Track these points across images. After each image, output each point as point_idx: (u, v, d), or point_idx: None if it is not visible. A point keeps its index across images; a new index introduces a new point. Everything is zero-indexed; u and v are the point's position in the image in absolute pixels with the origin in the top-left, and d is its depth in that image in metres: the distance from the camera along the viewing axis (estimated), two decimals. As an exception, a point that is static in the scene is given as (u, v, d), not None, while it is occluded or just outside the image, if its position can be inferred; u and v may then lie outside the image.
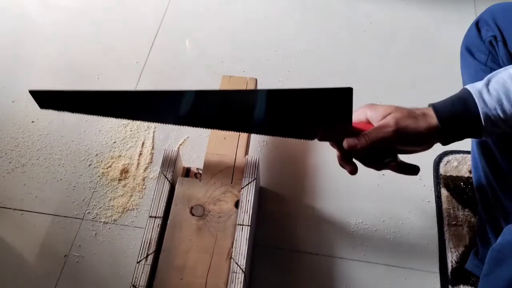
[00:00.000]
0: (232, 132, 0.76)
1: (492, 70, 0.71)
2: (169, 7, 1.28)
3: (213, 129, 0.71)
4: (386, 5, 1.28)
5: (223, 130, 0.71)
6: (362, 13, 1.27)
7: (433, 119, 0.58)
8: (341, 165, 0.65)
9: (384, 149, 0.62)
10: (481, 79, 0.73)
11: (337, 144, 0.66)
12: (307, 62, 1.16)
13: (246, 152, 0.83)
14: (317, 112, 0.62)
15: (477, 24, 0.73)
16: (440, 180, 0.95)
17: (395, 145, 0.60)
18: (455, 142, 0.60)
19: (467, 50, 0.75)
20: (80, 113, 0.70)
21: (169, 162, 0.74)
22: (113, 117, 0.71)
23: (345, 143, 0.60)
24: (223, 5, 1.29)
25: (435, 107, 0.59)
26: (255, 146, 1.00)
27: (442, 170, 0.96)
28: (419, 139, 0.59)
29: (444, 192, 0.93)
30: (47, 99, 0.69)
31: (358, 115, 0.62)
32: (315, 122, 0.64)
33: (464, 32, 0.78)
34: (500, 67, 0.70)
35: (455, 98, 0.59)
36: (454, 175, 0.95)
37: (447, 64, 1.14)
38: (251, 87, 0.85)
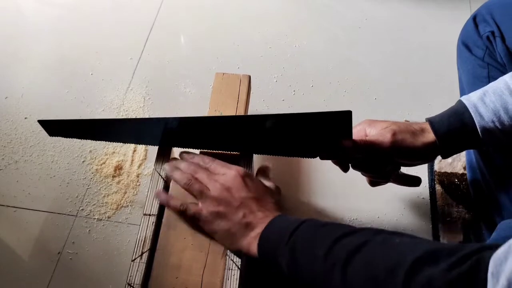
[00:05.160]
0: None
1: (489, 65, 0.71)
2: (164, 3, 1.27)
3: (221, 151, 0.74)
4: (381, 1, 1.28)
5: (231, 151, 0.74)
6: (357, 9, 1.26)
7: (431, 135, 0.59)
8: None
9: (383, 160, 0.63)
10: (478, 74, 0.73)
11: (339, 162, 0.67)
12: (302, 58, 1.16)
13: None
14: (318, 134, 0.64)
15: (474, 19, 0.73)
16: (435, 177, 0.95)
17: (393, 157, 0.61)
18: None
19: (464, 45, 0.75)
20: (86, 139, 0.77)
21: (163, 159, 0.73)
22: (116, 141, 0.76)
23: (343, 143, 0.61)
24: (218, 1, 1.28)
25: (432, 123, 0.59)
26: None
27: (436, 167, 0.96)
28: (416, 154, 0.60)
29: (438, 188, 0.94)
30: (55, 128, 0.72)
31: (358, 132, 0.63)
32: (317, 143, 0.66)
33: (459, 29, 0.78)
34: (498, 62, 0.70)
35: (451, 112, 0.59)
36: (449, 171, 0.95)
37: (442, 60, 1.14)
38: (244, 84, 0.84)
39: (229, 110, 0.81)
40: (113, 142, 0.78)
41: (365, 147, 0.60)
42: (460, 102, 0.59)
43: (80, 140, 1.00)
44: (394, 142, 0.58)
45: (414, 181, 0.69)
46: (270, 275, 0.79)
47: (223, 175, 0.62)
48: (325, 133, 0.63)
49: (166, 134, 0.71)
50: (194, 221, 0.63)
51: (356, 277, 0.44)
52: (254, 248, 0.56)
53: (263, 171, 0.69)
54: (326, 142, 0.64)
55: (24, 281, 0.84)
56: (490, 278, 0.34)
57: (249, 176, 0.64)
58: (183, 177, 0.64)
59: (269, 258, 0.54)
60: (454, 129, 0.57)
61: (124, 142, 0.77)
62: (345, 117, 0.58)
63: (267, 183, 0.66)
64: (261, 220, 0.57)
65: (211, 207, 0.60)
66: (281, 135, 0.66)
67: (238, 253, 0.62)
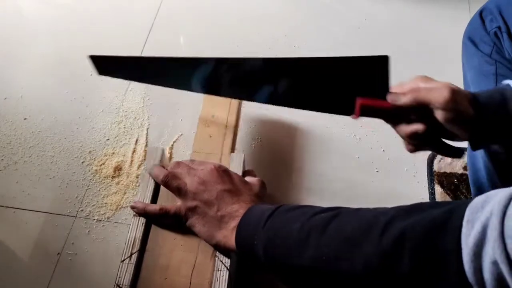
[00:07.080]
0: (246, 101, 0.72)
1: (497, 62, 0.68)
2: (163, 3, 1.27)
3: (252, 101, 0.67)
4: (381, 1, 1.28)
5: (262, 103, 0.67)
6: (357, 9, 1.26)
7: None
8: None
9: (431, 123, 0.56)
10: (485, 71, 0.71)
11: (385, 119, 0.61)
12: (301, 58, 1.16)
13: (232, 150, 0.83)
14: (352, 83, 0.57)
15: (481, 14, 0.71)
16: (434, 177, 0.95)
17: (441, 118, 0.54)
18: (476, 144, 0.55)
19: (470, 40, 0.73)
20: (134, 80, 0.72)
21: (154, 160, 0.73)
22: (165, 86, 0.70)
23: (388, 97, 0.56)
24: (217, 2, 1.28)
25: (474, 94, 0.54)
26: (249, 144, 1.00)
27: (436, 167, 0.96)
28: (468, 123, 0.53)
29: (438, 189, 0.93)
30: (105, 66, 0.69)
31: (411, 85, 0.58)
32: (350, 94, 0.58)
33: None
34: (506, 59, 0.68)
35: (494, 90, 0.54)
36: (448, 171, 0.95)
37: (442, 61, 1.14)
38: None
39: (221, 112, 0.82)
40: (162, 86, 0.72)
41: (414, 102, 0.54)
42: (502, 84, 0.55)
43: (79, 141, 1.00)
44: (449, 102, 0.51)
45: (456, 152, 0.61)
46: (259, 275, 0.78)
47: (201, 170, 0.63)
48: (358, 82, 0.56)
49: (213, 78, 0.66)
50: (177, 220, 0.63)
51: (331, 241, 0.44)
52: (231, 241, 0.57)
53: (248, 173, 0.70)
54: (360, 93, 0.57)
55: (24, 282, 0.84)
56: (465, 224, 0.35)
57: (226, 170, 0.64)
58: (161, 172, 0.65)
59: (246, 246, 0.54)
60: (493, 101, 0.52)
61: (173, 87, 0.71)
62: (381, 63, 0.52)
63: (250, 178, 0.67)
64: (236, 212, 0.58)
65: (188, 203, 0.61)
66: (309, 81, 0.60)
67: (219, 248, 0.62)
